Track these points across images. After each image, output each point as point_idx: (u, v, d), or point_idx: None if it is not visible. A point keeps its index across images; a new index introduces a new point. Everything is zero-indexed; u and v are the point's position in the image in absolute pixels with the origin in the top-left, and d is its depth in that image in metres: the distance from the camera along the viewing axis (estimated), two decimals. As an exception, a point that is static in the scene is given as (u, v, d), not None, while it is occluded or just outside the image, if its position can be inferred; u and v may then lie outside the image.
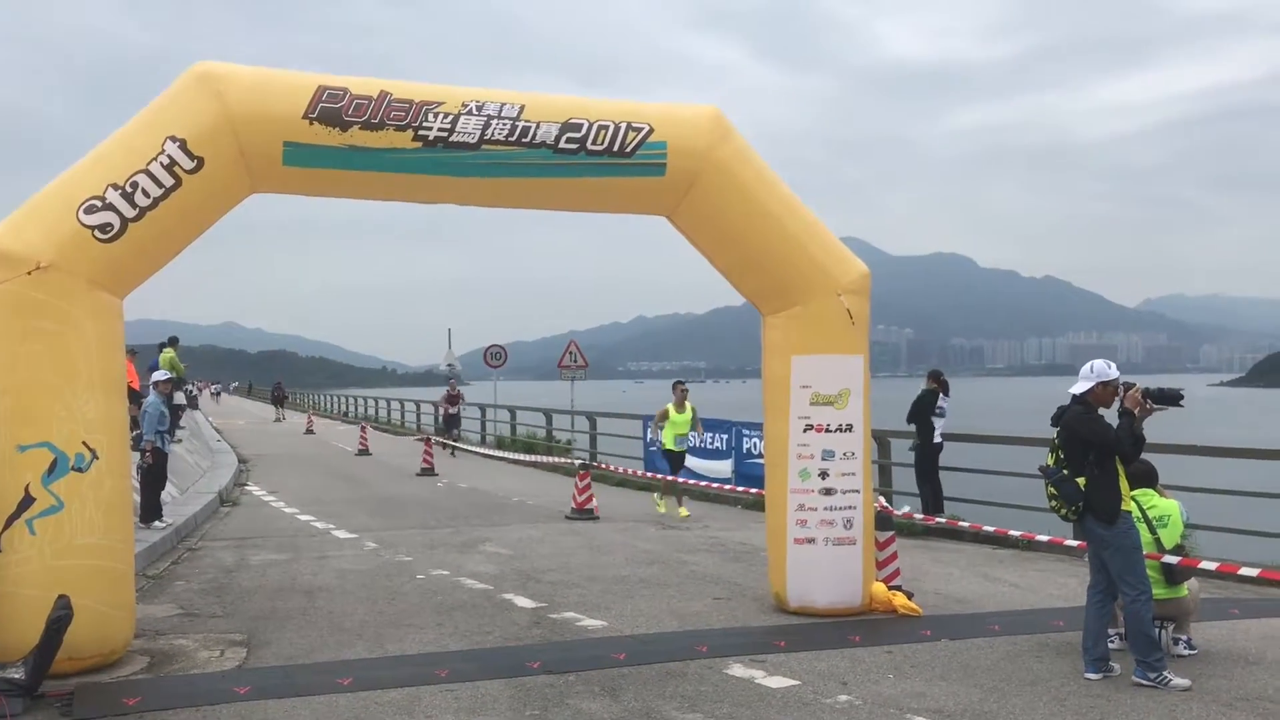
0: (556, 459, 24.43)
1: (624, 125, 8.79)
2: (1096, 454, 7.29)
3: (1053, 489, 7.50)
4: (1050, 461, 7.62)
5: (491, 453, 27.25)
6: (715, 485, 17.91)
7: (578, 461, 20.06)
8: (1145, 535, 7.85)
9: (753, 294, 9.72)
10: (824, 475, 9.22)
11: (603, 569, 11.64)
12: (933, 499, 14.89)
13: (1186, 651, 7.93)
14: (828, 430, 9.25)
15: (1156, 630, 7.47)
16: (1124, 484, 7.39)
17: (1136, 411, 7.37)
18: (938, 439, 14.91)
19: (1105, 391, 7.44)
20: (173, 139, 7.82)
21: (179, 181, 7.83)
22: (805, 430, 9.27)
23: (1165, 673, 7.11)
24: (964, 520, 14.09)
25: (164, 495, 14.45)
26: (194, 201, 8.00)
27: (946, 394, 15.17)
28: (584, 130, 8.67)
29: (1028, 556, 12.57)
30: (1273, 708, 6.68)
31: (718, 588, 10.58)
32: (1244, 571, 8.41)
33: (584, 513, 16.17)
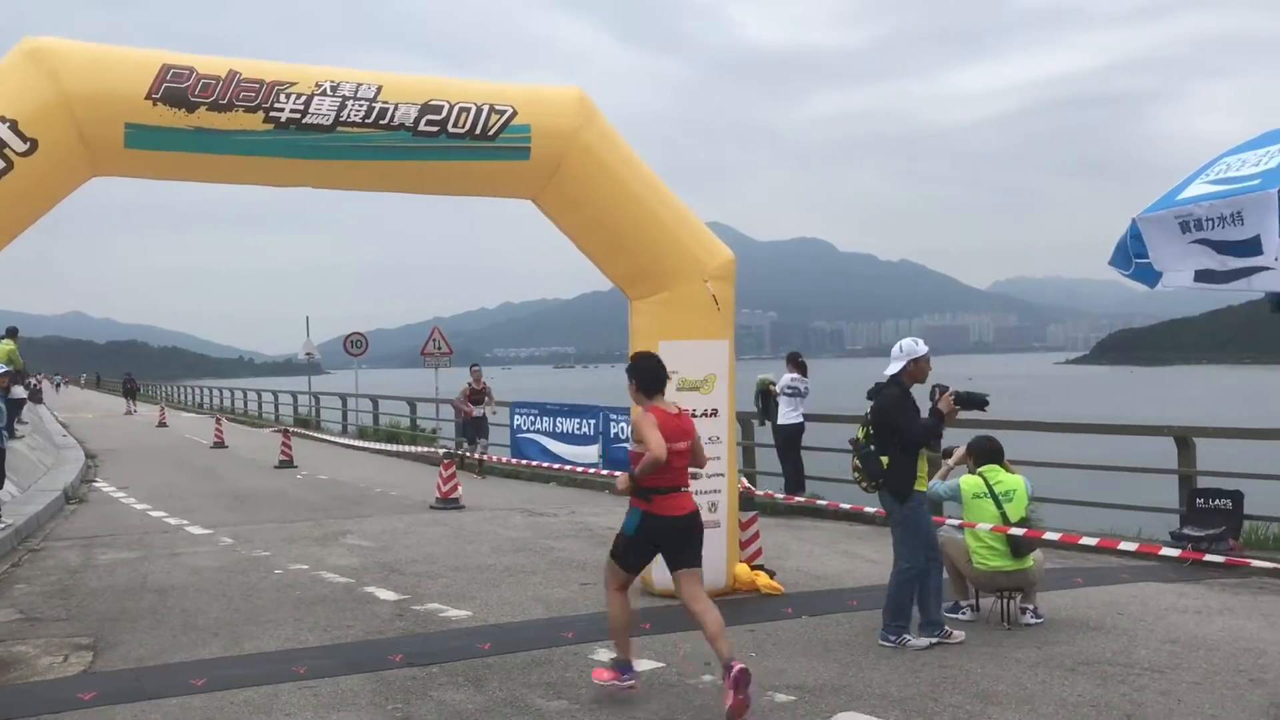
0: (421, 448, 24.11)
1: (487, 107, 8.68)
2: (901, 437, 7.64)
3: (858, 461, 7.89)
4: (860, 435, 7.96)
5: (353, 443, 26.71)
6: (582, 470, 17.93)
7: (442, 450, 19.83)
8: (992, 509, 8.18)
9: (620, 279, 9.73)
10: (689, 459, 9.28)
11: (468, 558, 11.53)
12: (794, 478, 15.21)
13: (1033, 620, 8.28)
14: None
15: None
16: (924, 466, 7.79)
17: (948, 412, 7.75)
18: (798, 419, 15.22)
19: (917, 368, 7.81)
20: (1, 120, 7.40)
21: (10, 164, 7.42)
22: (670, 415, 9.31)
23: (905, 634, 7.62)
24: (823, 499, 14.42)
25: (2, 494, 13.74)
26: (27, 185, 7.59)
27: (804, 375, 15.51)
28: (445, 112, 8.53)
29: (884, 532, 12.75)
30: (1112, 670, 7.02)
31: (585, 573, 10.59)
32: (1084, 541, 8.83)
33: (449, 502, 15.98)
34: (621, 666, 6.69)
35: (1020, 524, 8.24)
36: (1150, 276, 6.19)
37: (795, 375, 15.37)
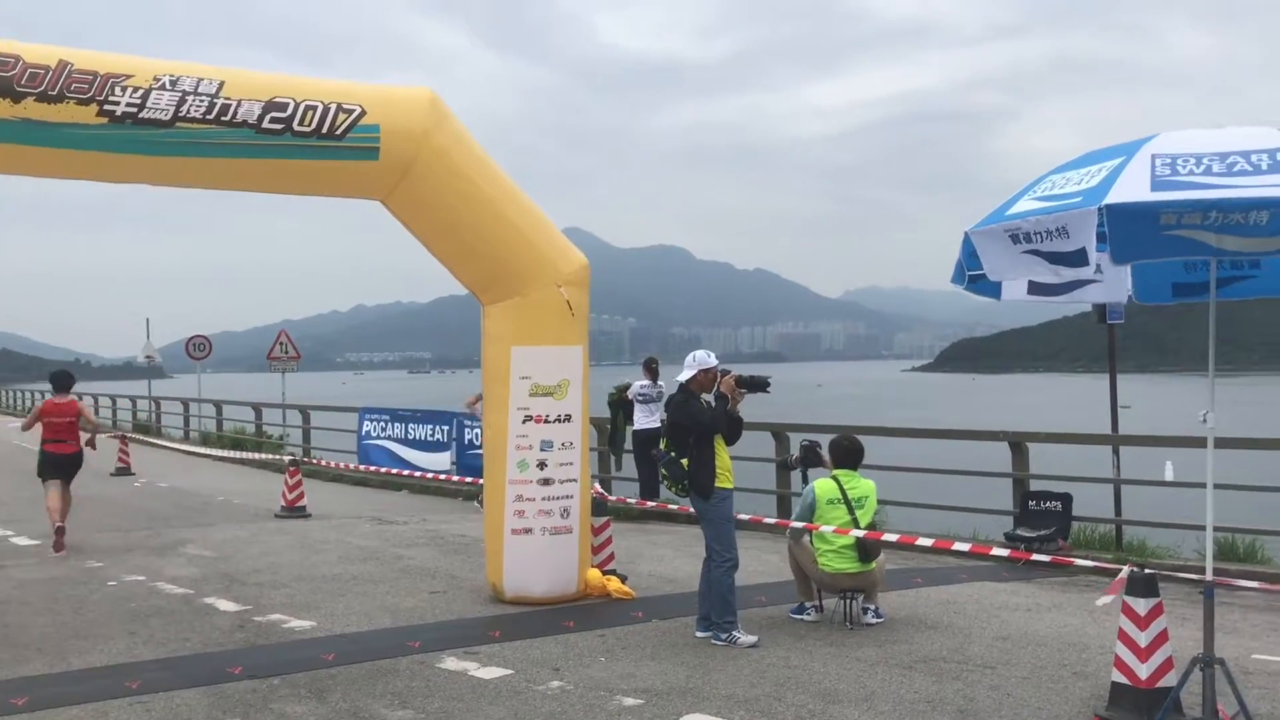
0: (266, 455, 23.41)
1: (334, 106, 8.48)
2: (696, 437, 7.96)
3: (663, 470, 8.21)
4: (662, 445, 8.36)
5: (196, 449, 25.79)
6: (434, 476, 17.70)
7: (288, 457, 19.30)
8: (844, 516, 8.41)
9: (472, 283, 9.63)
10: (542, 466, 9.27)
11: (314, 568, 11.24)
12: (648, 483, 15.31)
13: (875, 620, 8.53)
14: (546, 421, 9.31)
15: (735, 596, 8.10)
16: (725, 462, 8.11)
17: (731, 396, 8.08)
18: (654, 424, 15.34)
19: (706, 378, 8.21)
20: None
21: None
22: (524, 421, 9.29)
23: (735, 632, 7.87)
24: (674, 504, 14.57)
25: None
26: None
27: (655, 380, 15.64)
28: (290, 110, 8.30)
29: (738, 533, 13.11)
30: (947, 667, 7.28)
31: (434, 581, 10.45)
32: (921, 542, 9.15)
33: (295, 510, 15.56)
34: None
35: (868, 528, 8.49)
36: (988, 288, 6.47)
37: (646, 382, 15.49)
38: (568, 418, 9.36)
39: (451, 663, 7.48)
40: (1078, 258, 5.06)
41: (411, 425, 19.51)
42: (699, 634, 8.10)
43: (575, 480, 9.40)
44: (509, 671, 7.25)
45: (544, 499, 9.25)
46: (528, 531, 9.23)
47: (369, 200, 9.31)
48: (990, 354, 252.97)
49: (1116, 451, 12.32)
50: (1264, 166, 4.94)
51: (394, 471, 18.65)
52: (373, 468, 18.82)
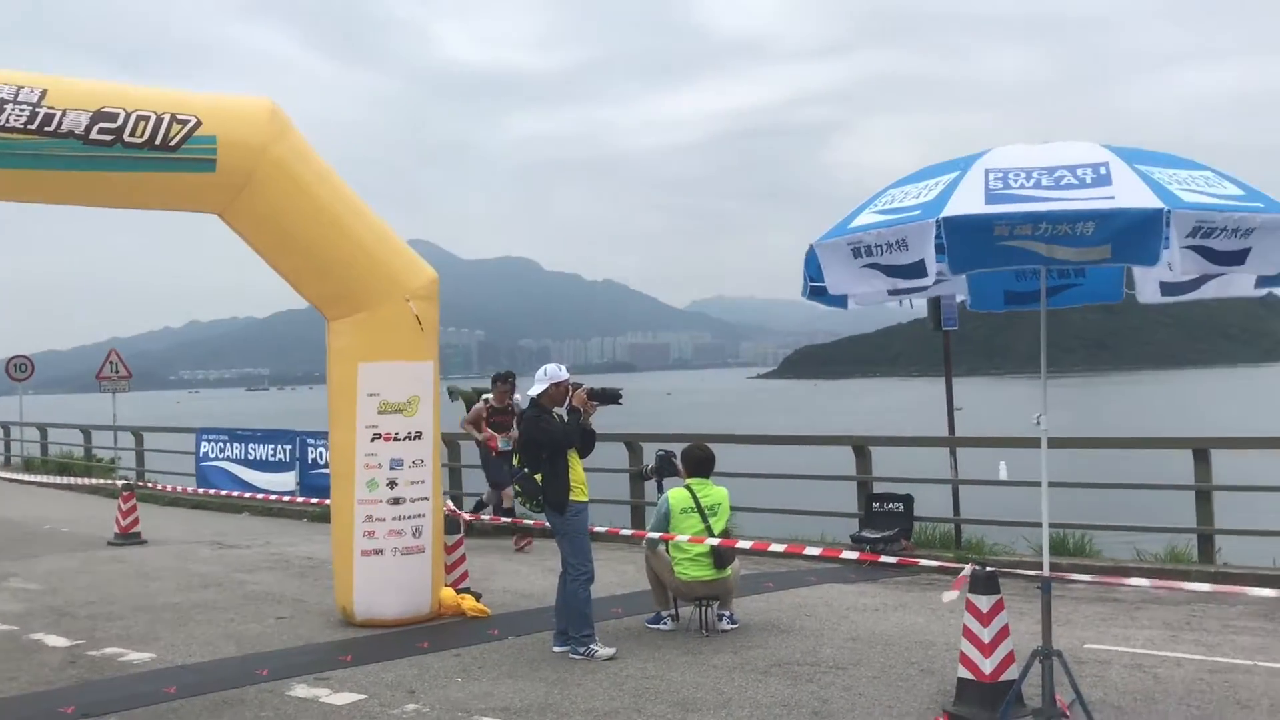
0: (97, 480, 22.29)
1: (168, 116, 8.14)
2: (549, 451, 7.97)
3: (518, 486, 8.21)
4: (516, 461, 8.37)
5: (18, 476, 24.35)
6: (277, 497, 17.15)
7: (121, 482, 18.42)
8: (698, 524, 8.49)
9: (316, 299, 9.38)
10: (393, 485, 9.08)
11: (151, 597, 10.73)
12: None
13: (730, 626, 8.64)
14: (396, 439, 9.12)
15: (590, 609, 8.08)
16: (579, 475, 8.12)
17: (583, 409, 8.12)
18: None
19: (558, 391, 8.21)
20: None
21: None
22: (373, 439, 9.08)
23: (592, 645, 7.88)
24: (529, 518, 14.47)
25: None
26: None
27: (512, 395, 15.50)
28: (120, 120, 7.93)
29: (593, 545, 13.10)
30: (801, 670, 7.43)
31: (281, 607, 10.11)
32: (774, 548, 9.31)
33: (129, 537, 14.83)
34: None
35: (722, 535, 8.60)
36: (836, 299, 6.63)
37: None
38: (419, 435, 9.19)
39: (301, 690, 7.24)
40: (917, 269, 5.24)
41: (252, 445, 18.88)
42: (556, 649, 8.05)
43: (427, 499, 9.24)
44: (362, 696, 7.06)
45: (395, 518, 9.06)
46: (378, 552, 9.02)
47: (206, 214, 8.98)
48: (831, 360, 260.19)
49: (954, 453, 12.81)
50: (1088, 180, 5.20)
51: (234, 494, 18.00)
52: (212, 490, 18.12)
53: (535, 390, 8.23)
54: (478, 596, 9.71)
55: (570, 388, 8.23)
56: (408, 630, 8.90)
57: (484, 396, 13.25)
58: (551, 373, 8.30)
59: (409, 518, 9.11)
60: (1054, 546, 11.52)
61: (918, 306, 12.13)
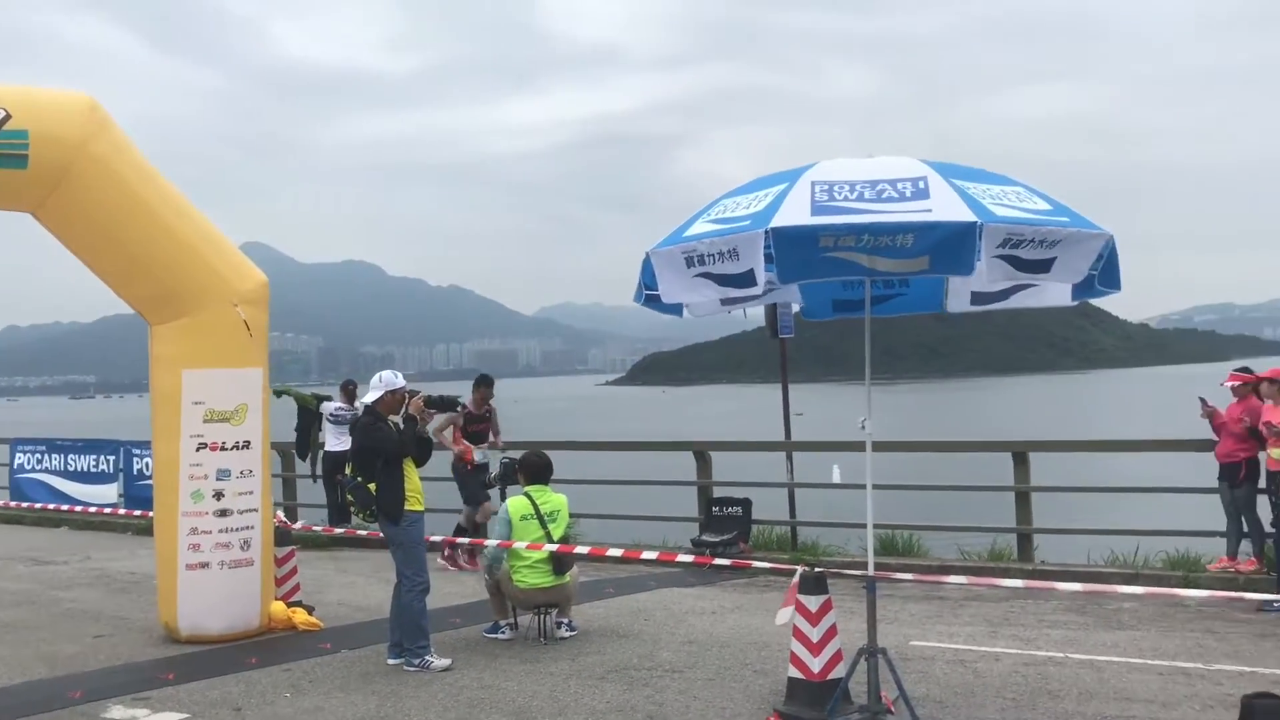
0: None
1: (-27, 109, 7.69)
2: (384, 460, 7.82)
3: (350, 495, 8.03)
4: (349, 470, 8.17)
5: None
6: (98, 510, 16.35)
7: (-75, 496, 17.26)
8: (538, 531, 8.46)
9: (138, 302, 8.97)
10: (219, 496, 8.75)
11: (-45, 618, 10.09)
12: (339, 508, 14.80)
13: (568, 633, 8.64)
14: (223, 449, 8.80)
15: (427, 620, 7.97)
16: (415, 484, 7.98)
17: (420, 417, 8.05)
18: (344, 446, 14.85)
19: (393, 399, 8.07)
20: None
21: None
22: (198, 449, 8.73)
23: (427, 656, 7.77)
24: (364, 529, 14.17)
25: None
26: None
27: (351, 404, 15.17)
28: (-82, 112, 7.45)
29: (430, 557, 12.93)
30: (637, 674, 7.48)
31: (99, 624, 9.63)
32: (611, 552, 9.35)
33: (-67, 554, 13.91)
34: None
35: (561, 542, 8.58)
36: (672, 306, 6.70)
37: (342, 405, 14.99)
38: (246, 444, 8.89)
39: (118, 711, 6.92)
40: (747, 279, 5.35)
41: (72, 456, 17.93)
42: (391, 661, 7.90)
43: (256, 510, 8.94)
44: (185, 715, 6.79)
45: (221, 531, 8.74)
46: (204, 566, 8.69)
47: (18, 212, 8.51)
48: (678, 367, 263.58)
49: (790, 457, 13.12)
50: (908, 194, 5.41)
51: (52, 507, 17.08)
52: (26, 504, 17.15)
53: (370, 397, 8.07)
54: (310, 610, 9.45)
55: (407, 395, 8.11)
56: (235, 646, 8.59)
57: (459, 403, 11.10)
58: (387, 379, 8.14)
59: (237, 530, 8.80)
60: (884, 547, 11.92)
61: (760, 314, 12.45)
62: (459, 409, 8.36)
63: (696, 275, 5.57)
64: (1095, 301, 6.66)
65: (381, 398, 8.02)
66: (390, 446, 7.82)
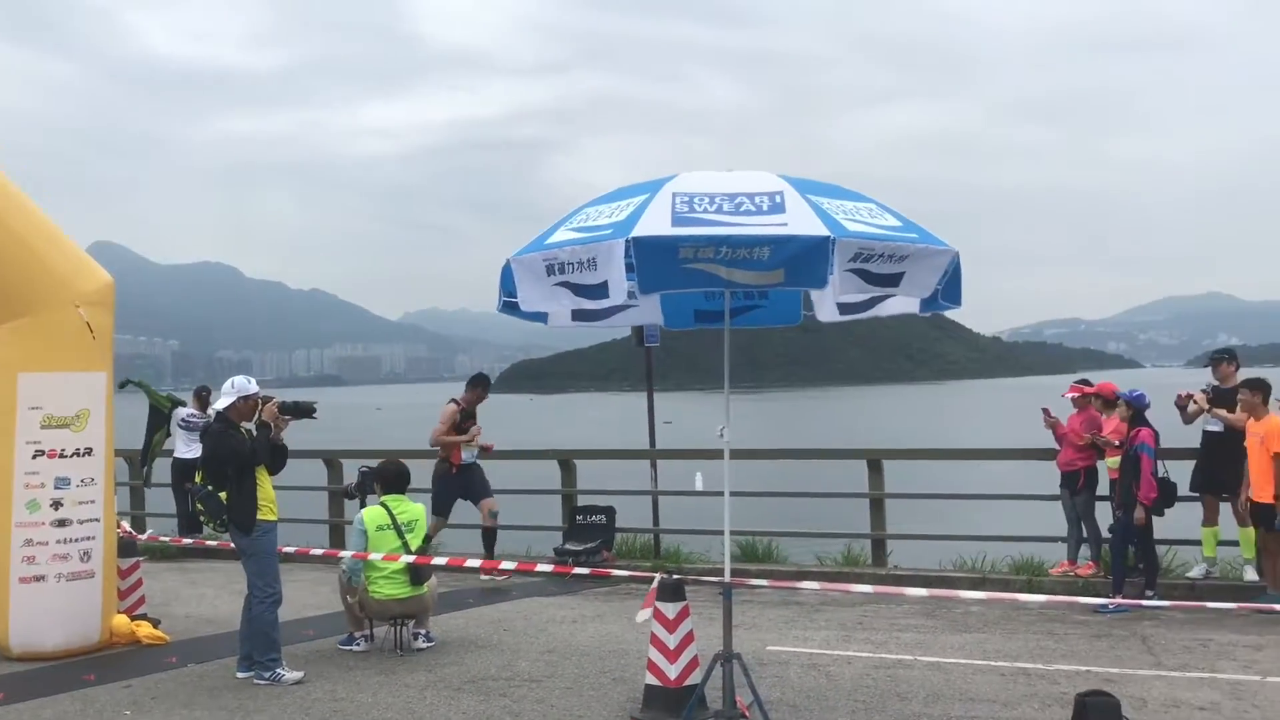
0: None
1: None
2: (235, 468, 7.61)
3: (199, 504, 7.78)
4: (198, 478, 7.97)
5: None
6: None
7: None
8: (395, 541, 8.32)
9: (-32, 302, 8.51)
10: (57, 505, 8.35)
11: None
12: (190, 517, 14.29)
13: (425, 644, 8.51)
14: (63, 456, 8.41)
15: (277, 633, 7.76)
16: (268, 493, 7.78)
17: (274, 423, 7.84)
18: (196, 453, 14.36)
19: (246, 405, 7.85)
20: None
21: None
22: (35, 457, 8.33)
23: (278, 669, 7.59)
24: (213, 540, 13.73)
25: None
26: None
27: (204, 411, 14.67)
28: None
29: (285, 566, 12.58)
30: (495, 685, 7.41)
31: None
32: (470, 563, 9.27)
33: None
34: None
35: (419, 552, 8.45)
36: (536, 314, 6.68)
37: (194, 410, 14.49)
38: (88, 451, 8.52)
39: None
40: (601, 290, 5.36)
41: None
42: (240, 675, 7.66)
43: (98, 520, 8.56)
44: (15, 738, 6.46)
45: (60, 542, 8.35)
46: (39, 579, 8.28)
47: None
48: (547, 375, 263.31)
49: (654, 464, 13.20)
50: (765, 207, 5.50)
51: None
52: None
53: (222, 404, 7.80)
54: (155, 623, 9.10)
55: (260, 401, 7.88)
56: (73, 662, 8.20)
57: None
58: (240, 385, 7.89)
59: (76, 540, 8.41)
60: (744, 553, 12.10)
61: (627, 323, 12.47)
62: (312, 415, 8.08)
63: (556, 284, 5.56)
64: (950, 315, 6.93)
65: (234, 404, 7.77)
66: (242, 454, 7.59)
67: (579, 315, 6.94)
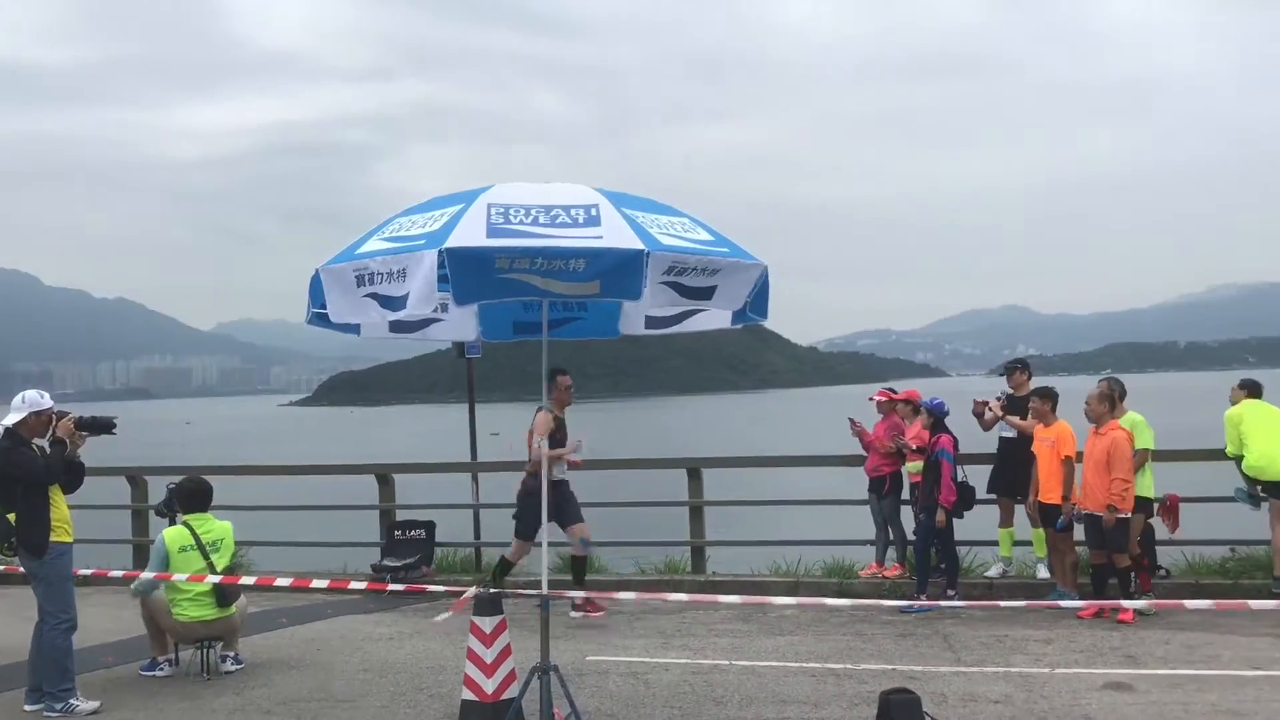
0: None
1: None
2: (25, 487, 7.23)
3: None
4: None
5: None
6: None
7: None
8: (199, 562, 7.98)
9: None
10: None
11: None
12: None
13: (234, 667, 8.21)
14: None
15: (70, 660, 7.40)
16: (62, 513, 7.39)
17: (70, 440, 7.43)
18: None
19: (38, 421, 7.44)
20: None
21: None
22: None
23: (72, 700, 7.22)
24: (1, 564, 12.91)
25: None
26: None
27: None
28: None
29: (82, 590, 11.91)
30: (307, 706, 7.21)
31: None
32: (280, 582, 8.97)
33: None
34: None
35: (227, 571, 8.14)
36: (349, 326, 6.53)
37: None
38: None
39: None
40: (403, 302, 5.29)
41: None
42: (29, 707, 7.22)
43: None
44: None
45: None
46: None
47: None
48: (369, 387, 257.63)
49: (475, 478, 13.08)
50: (581, 220, 5.55)
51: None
52: None
53: (11, 420, 7.32)
54: (-68, 656, 8.48)
55: (54, 416, 7.43)
56: None
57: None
58: (31, 400, 7.43)
59: None
60: (566, 564, 12.11)
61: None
62: (112, 431, 7.66)
63: (365, 295, 5.47)
64: (769, 326, 7.10)
65: (24, 419, 7.31)
66: (34, 472, 7.16)
67: (395, 327, 6.84)
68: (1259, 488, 9.84)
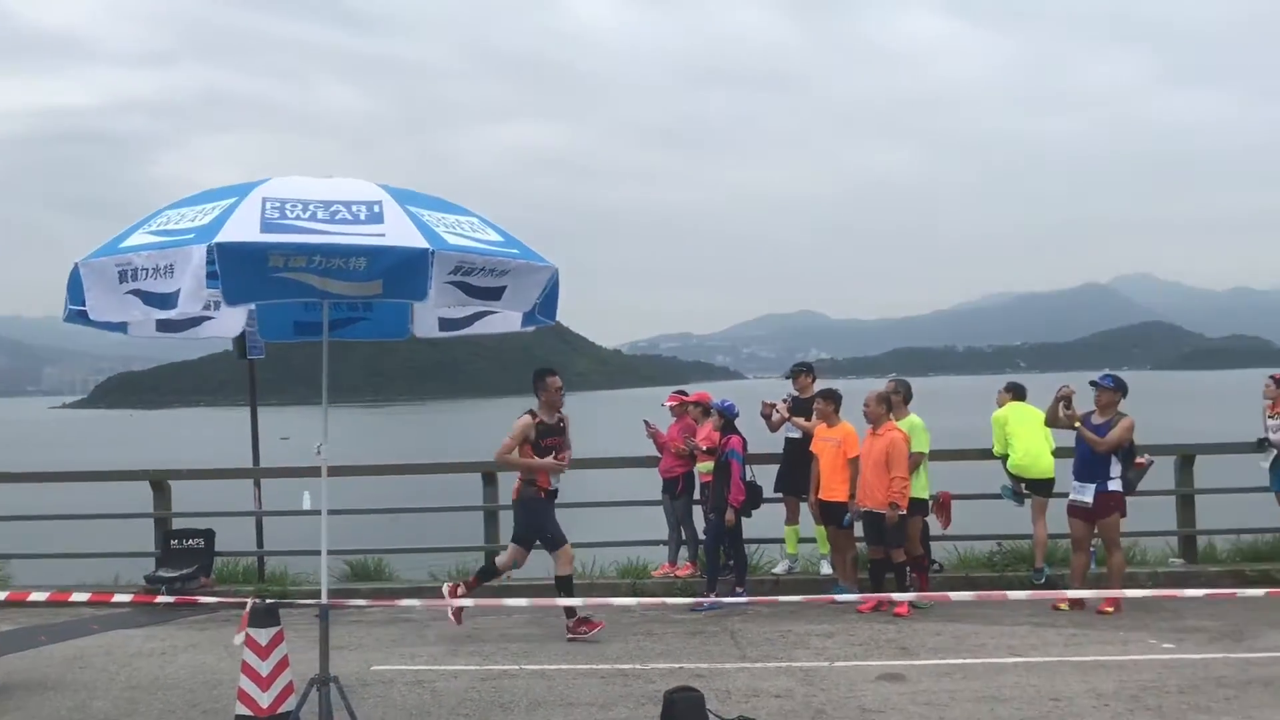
0: None
1: None
2: None
3: None
4: None
5: None
6: None
7: None
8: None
9: None
10: None
11: None
12: None
13: (-18, 691, 7.60)
14: None
15: None
16: None
17: None
18: None
19: None
20: None
21: None
22: None
23: None
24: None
25: None
26: None
27: None
28: None
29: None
30: (64, 731, 6.73)
31: None
32: (34, 597, 8.37)
33: None
34: None
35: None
36: (113, 324, 6.13)
37: None
38: None
39: None
40: (172, 300, 5.00)
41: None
42: None
43: None
44: None
45: None
46: None
47: None
48: (149, 388, 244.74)
49: (258, 484, 12.57)
50: (363, 217, 5.37)
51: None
52: None
53: None
54: None
55: None
56: None
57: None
58: None
59: None
60: (354, 572, 11.79)
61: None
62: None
63: (128, 292, 5.13)
64: (574, 328, 7.08)
65: None
66: None
67: (163, 326, 6.46)
68: (1023, 485, 10.51)
